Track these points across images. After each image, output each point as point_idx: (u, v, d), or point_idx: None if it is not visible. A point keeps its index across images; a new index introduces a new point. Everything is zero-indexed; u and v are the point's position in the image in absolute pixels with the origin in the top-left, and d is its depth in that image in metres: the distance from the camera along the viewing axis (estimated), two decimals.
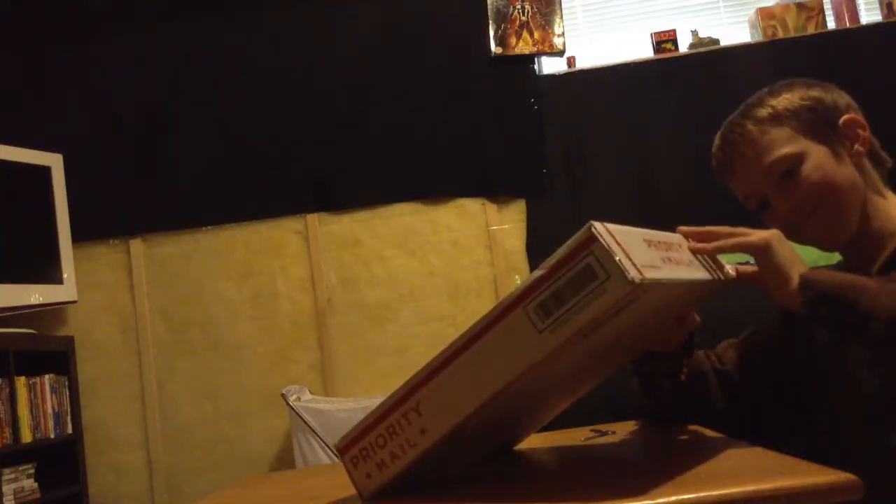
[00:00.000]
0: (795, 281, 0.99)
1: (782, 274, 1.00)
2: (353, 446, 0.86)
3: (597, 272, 0.72)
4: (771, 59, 3.21)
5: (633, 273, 0.71)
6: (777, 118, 1.16)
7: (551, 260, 0.75)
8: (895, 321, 0.92)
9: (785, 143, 1.15)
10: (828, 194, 1.13)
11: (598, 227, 0.74)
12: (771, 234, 1.02)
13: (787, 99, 1.17)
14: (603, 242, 0.72)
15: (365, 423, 0.85)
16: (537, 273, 0.76)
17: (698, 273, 0.92)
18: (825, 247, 1.18)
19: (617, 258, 0.72)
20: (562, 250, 0.75)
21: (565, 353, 0.76)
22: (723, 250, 1.00)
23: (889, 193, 1.19)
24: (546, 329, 0.75)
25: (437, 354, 0.82)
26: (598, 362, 0.96)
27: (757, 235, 1.02)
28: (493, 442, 1.02)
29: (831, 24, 3.28)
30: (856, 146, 1.16)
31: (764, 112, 1.17)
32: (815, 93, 1.18)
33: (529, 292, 0.76)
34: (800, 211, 1.14)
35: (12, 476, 2.73)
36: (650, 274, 0.74)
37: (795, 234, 1.14)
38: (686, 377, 1.19)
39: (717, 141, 1.23)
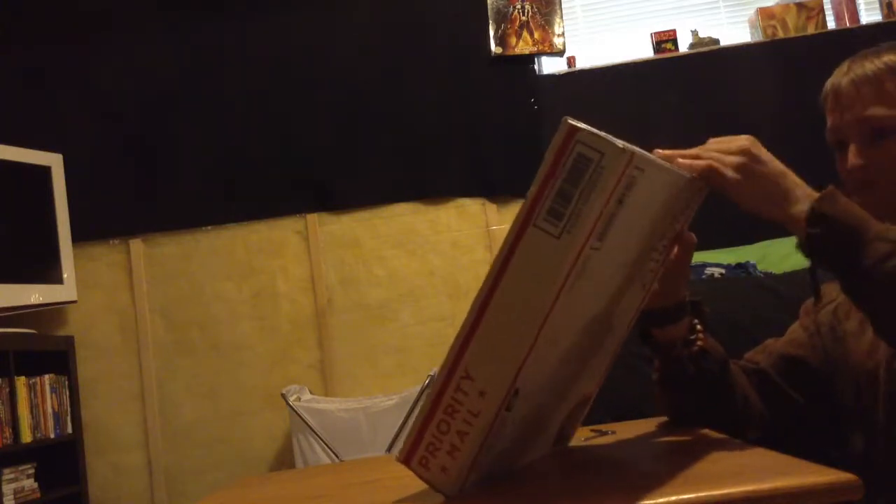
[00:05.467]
0: (800, 206, 0.95)
1: (775, 195, 0.96)
2: (416, 449, 0.80)
3: (589, 156, 0.74)
4: (771, 59, 3.21)
5: (622, 143, 0.73)
6: None
7: (539, 174, 0.76)
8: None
9: None
10: None
11: (572, 119, 0.75)
12: (741, 161, 0.96)
13: None
14: (585, 128, 0.74)
15: (418, 420, 0.80)
16: (531, 191, 0.76)
17: (673, 168, 0.90)
18: (876, 216, 1.15)
19: (603, 135, 0.74)
20: (546, 158, 0.76)
21: (591, 261, 0.76)
22: (692, 170, 0.95)
23: None
24: (564, 231, 0.74)
25: (466, 315, 0.79)
26: (626, 289, 0.93)
27: (730, 165, 0.96)
28: (562, 412, 0.98)
29: (831, 24, 3.29)
30: None
31: None
32: None
33: (533, 208, 0.75)
34: (871, 173, 1.10)
35: (12, 476, 2.73)
36: (636, 150, 0.75)
37: (855, 188, 1.11)
38: (703, 345, 1.12)
39: (843, 64, 1.16)
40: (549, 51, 3.29)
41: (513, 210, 3.25)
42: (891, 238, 0.94)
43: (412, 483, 0.90)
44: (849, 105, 1.12)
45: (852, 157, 1.11)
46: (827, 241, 0.95)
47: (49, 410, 2.93)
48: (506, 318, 0.77)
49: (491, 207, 3.26)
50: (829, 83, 1.16)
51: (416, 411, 2.73)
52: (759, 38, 3.27)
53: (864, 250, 0.93)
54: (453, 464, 0.79)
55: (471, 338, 0.78)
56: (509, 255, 0.76)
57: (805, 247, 0.97)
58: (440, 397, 0.79)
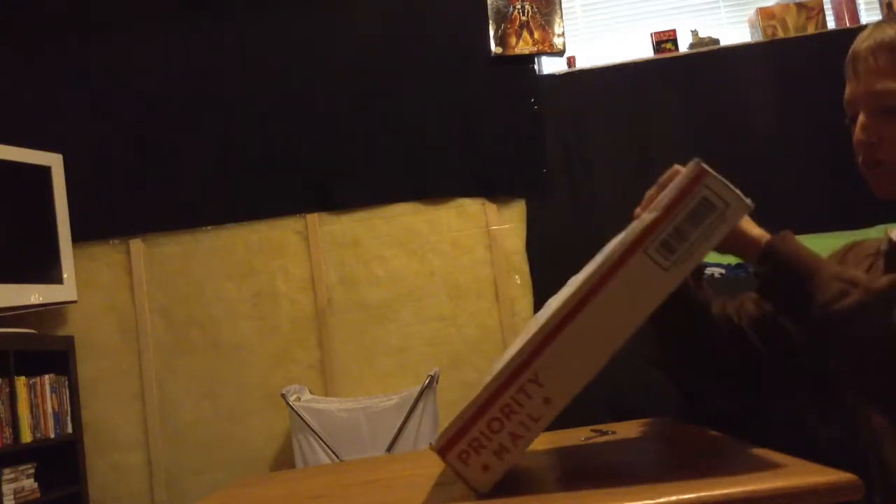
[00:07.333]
0: (755, 235, 0.96)
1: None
2: (458, 441, 0.79)
3: (714, 203, 0.78)
4: (771, 59, 3.21)
5: (746, 198, 0.79)
6: None
7: (662, 201, 0.79)
8: (828, 312, 0.90)
9: None
10: None
11: (701, 163, 0.79)
12: None
13: None
14: (714, 174, 0.79)
15: (469, 412, 0.80)
16: (650, 216, 0.78)
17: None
18: (881, 192, 1.12)
19: (731, 186, 0.78)
20: (671, 190, 0.79)
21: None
22: None
23: None
24: (672, 266, 0.78)
25: (545, 321, 0.79)
26: None
27: None
28: None
29: (831, 24, 3.29)
30: None
31: None
32: None
33: (647, 235, 0.78)
34: (879, 152, 1.09)
35: (12, 476, 2.73)
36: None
37: (863, 163, 1.10)
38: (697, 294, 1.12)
39: (866, 28, 1.15)
40: (549, 51, 3.29)
41: (513, 210, 3.25)
42: (845, 278, 0.92)
43: (413, 483, 0.90)
44: (864, 73, 1.11)
45: (859, 132, 1.11)
46: (777, 279, 0.95)
47: (49, 410, 2.93)
48: (590, 332, 0.78)
49: (491, 207, 3.25)
50: (851, 49, 1.16)
51: (414, 409, 2.67)
52: (759, 38, 3.27)
53: (817, 291, 0.91)
54: (498, 464, 0.79)
55: (548, 344, 0.78)
56: (609, 275, 0.78)
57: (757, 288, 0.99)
58: (498, 396, 0.79)
